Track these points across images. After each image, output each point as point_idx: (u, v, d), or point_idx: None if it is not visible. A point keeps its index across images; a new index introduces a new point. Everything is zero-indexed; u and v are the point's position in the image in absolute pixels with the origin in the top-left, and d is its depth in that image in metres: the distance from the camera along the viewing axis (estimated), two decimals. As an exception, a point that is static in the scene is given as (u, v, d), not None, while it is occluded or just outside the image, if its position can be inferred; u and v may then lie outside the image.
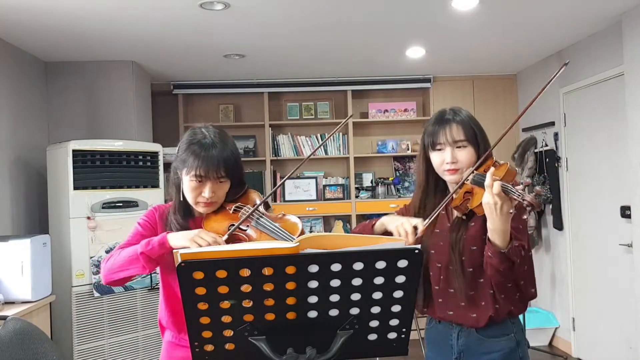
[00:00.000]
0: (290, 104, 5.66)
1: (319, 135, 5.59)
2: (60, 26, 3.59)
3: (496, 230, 1.59)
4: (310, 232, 5.35)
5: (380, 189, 5.57)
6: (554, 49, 4.68)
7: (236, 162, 1.73)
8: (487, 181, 1.56)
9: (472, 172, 1.69)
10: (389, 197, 5.54)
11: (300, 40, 4.15)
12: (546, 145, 4.93)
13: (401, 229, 1.64)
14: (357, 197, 5.52)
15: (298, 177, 5.59)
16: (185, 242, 1.56)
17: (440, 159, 1.78)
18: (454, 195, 1.71)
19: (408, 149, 5.64)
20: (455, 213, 1.78)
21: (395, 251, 1.21)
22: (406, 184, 5.70)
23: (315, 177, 5.57)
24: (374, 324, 1.28)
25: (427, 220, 1.68)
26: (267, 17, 3.56)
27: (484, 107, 5.57)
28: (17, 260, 3.21)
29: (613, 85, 4.04)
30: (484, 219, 1.63)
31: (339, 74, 5.41)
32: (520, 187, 1.54)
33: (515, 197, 1.52)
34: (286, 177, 2.07)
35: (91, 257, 3.74)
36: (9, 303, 3.14)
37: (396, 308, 1.26)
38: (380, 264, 1.19)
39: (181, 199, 1.76)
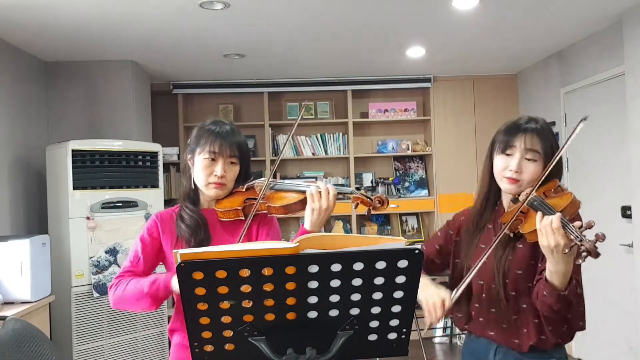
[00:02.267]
0: (290, 104, 5.65)
1: (318, 135, 5.59)
2: (60, 26, 3.59)
3: (557, 272, 1.47)
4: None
5: (381, 189, 5.57)
6: (555, 48, 4.68)
7: (247, 150, 1.84)
8: (541, 224, 1.44)
9: (532, 192, 1.57)
10: (389, 197, 5.48)
11: (301, 40, 4.14)
12: (546, 145, 4.91)
13: (430, 301, 1.61)
14: (357, 197, 5.51)
15: (298, 177, 5.58)
16: None
17: (504, 164, 1.68)
18: (511, 222, 1.58)
19: (408, 149, 5.64)
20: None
21: (396, 251, 1.20)
22: (406, 184, 5.69)
23: (315, 177, 5.56)
24: (374, 324, 1.27)
25: (454, 293, 1.63)
26: (267, 16, 3.56)
27: (484, 107, 5.58)
28: (16, 261, 3.20)
29: (613, 85, 4.04)
30: (534, 244, 1.55)
31: (339, 74, 5.40)
32: (579, 223, 1.41)
33: (572, 238, 1.39)
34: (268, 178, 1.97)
35: (90, 258, 3.73)
36: (8, 303, 3.14)
37: (396, 308, 1.26)
38: (381, 264, 1.19)
39: (192, 186, 1.83)
